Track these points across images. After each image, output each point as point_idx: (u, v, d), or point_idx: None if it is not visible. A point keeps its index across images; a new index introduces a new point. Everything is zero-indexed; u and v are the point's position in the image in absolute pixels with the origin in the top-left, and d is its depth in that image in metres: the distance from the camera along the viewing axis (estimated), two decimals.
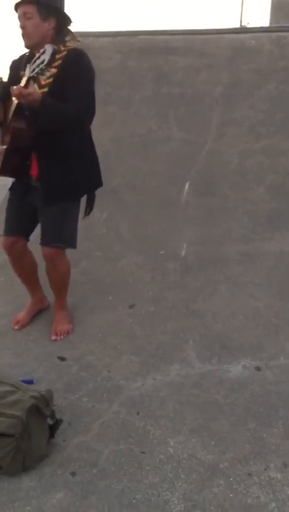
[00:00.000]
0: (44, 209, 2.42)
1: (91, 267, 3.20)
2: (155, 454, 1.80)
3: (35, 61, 2.01)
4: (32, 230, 2.59)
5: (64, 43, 2.28)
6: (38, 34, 2.22)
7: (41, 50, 2.00)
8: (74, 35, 2.32)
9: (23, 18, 2.21)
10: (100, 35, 4.07)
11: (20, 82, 2.12)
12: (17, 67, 2.37)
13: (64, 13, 2.30)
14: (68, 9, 2.43)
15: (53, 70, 2.19)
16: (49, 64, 2.01)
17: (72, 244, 2.52)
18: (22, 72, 2.11)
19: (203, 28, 4.06)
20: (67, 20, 2.30)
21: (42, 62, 1.99)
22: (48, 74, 2.03)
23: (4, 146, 2.32)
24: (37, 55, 2.01)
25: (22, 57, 2.40)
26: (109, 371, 2.33)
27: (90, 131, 2.44)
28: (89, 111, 2.28)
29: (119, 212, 3.50)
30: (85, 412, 2.03)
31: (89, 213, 2.60)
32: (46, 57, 1.98)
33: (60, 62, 2.22)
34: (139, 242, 3.34)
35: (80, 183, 2.45)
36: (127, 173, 3.60)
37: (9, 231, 2.56)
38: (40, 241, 2.48)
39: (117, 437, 1.88)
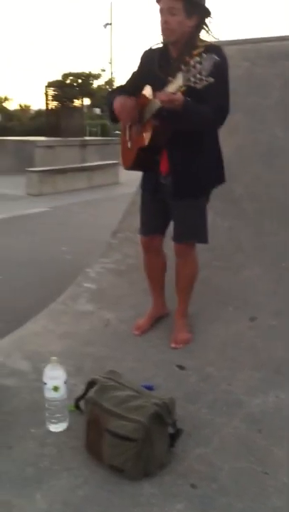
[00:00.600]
0: (175, 204, 2.48)
1: (211, 277, 3.17)
2: (279, 476, 1.71)
3: (190, 70, 1.91)
4: (166, 227, 2.66)
5: (200, 39, 2.25)
6: (180, 31, 2.21)
7: (198, 58, 1.89)
8: (210, 30, 2.27)
9: (167, 13, 2.19)
10: (229, 44, 4.02)
11: (158, 84, 2.15)
12: (150, 60, 2.37)
13: (208, 10, 2.24)
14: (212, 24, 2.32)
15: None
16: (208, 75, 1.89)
17: (205, 238, 2.56)
18: (170, 78, 2.07)
19: None
20: (208, 16, 2.26)
21: (200, 73, 1.88)
22: (206, 83, 1.89)
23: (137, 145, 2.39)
24: (192, 62, 1.90)
25: (153, 50, 2.38)
26: (229, 384, 2.28)
27: (219, 127, 2.42)
28: (225, 111, 2.26)
29: (241, 222, 3.43)
30: (205, 424, 2.00)
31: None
32: (207, 68, 1.87)
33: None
34: (261, 253, 3.24)
35: (208, 177, 2.48)
36: (251, 182, 3.52)
37: (146, 230, 2.66)
38: (172, 237, 2.53)
39: (238, 454, 1.83)
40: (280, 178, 3.45)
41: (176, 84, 2.03)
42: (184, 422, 1.95)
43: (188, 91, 2.07)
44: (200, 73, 1.89)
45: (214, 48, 2.18)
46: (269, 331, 2.69)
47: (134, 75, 2.52)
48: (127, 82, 2.57)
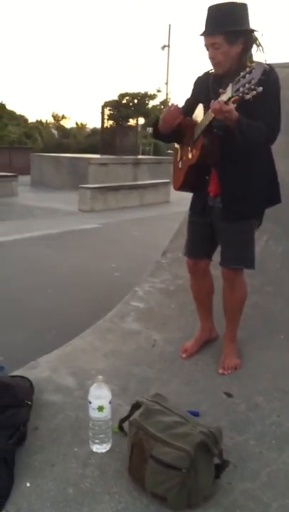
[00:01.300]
0: (222, 227, 2.42)
1: (263, 302, 3.08)
2: None
3: (239, 80, 1.93)
4: (214, 251, 2.61)
5: (251, 58, 2.22)
6: (229, 60, 2.20)
7: (247, 69, 1.90)
8: (260, 46, 2.23)
9: (212, 49, 2.20)
10: (284, 67, 3.98)
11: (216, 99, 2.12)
12: (202, 83, 2.39)
13: (251, 30, 2.21)
14: (263, 38, 2.30)
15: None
16: (258, 83, 1.89)
17: (252, 265, 2.48)
18: (222, 90, 2.07)
19: None
20: (253, 34, 2.22)
21: (249, 82, 1.88)
22: (255, 93, 1.90)
23: (187, 163, 2.36)
24: (242, 73, 1.92)
25: (207, 74, 2.39)
26: (278, 416, 2.18)
27: (270, 146, 2.37)
28: (276, 129, 2.21)
29: None
30: (252, 456, 1.91)
31: (258, 227, 2.52)
32: (256, 76, 1.87)
33: None
34: None
35: (259, 199, 2.41)
36: None
37: (191, 253, 2.63)
38: (220, 262, 2.48)
39: (287, 491, 1.73)
40: None
41: (226, 96, 2.02)
42: (231, 453, 1.88)
43: (240, 106, 2.06)
44: (249, 82, 1.89)
45: (258, 65, 2.15)
46: None
47: (188, 100, 2.52)
48: (182, 106, 2.56)
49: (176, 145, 2.61)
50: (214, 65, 2.26)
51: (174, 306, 3.26)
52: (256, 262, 2.52)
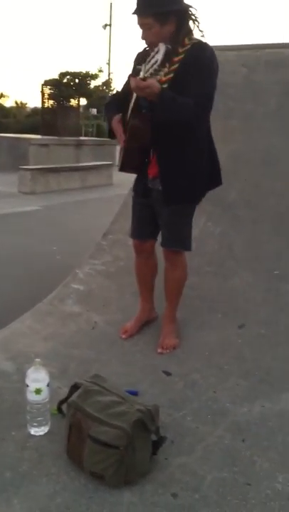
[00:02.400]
0: (162, 209, 2.44)
1: (201, 283, 3.15)
2: (261, 488, 1.68)
3: (149, 61, 1.97)
4: (158, 231, 2.61)
5: (190, 35, 2.21)
6: (160, 40, 2.13)
7: (155, 49, 1.95)
8: (196, 21, 2.23)
9: (143, 29, 2.18)
10: (225, 49, 4.02)
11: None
12: (141, 60, 2.31)
13: (183, 9, 2.20)
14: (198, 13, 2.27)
15: (175, 66, 2.16)
16: (162, 64, 1.95)
17: (188, 246, 2.52)
18: (139, 67, 2.07)
19: None
20: (188, 14, 2.21)
21: (155, 63, 1.94)
22: (162, 73, 1.96)
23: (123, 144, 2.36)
24: (151, 54, 1.96)
25: (146, 51, 2.34)
26: (214, 392, 2.25)
27: (209, 128, 2.38)
28: (206, 106, 2.20)
29: (233, 229, 3.42)
30: (189, 432, 1.97)
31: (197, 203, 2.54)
32: (159, 57, 1.93)
33: (182, 56, 2.17)
34: (253, 261, 3.22)
35: (199, 183, 2.41)
36: (245, 189, 3.51)
37: (137, 234, 2.64)
38: (161, 243, 2.52)
39: (221, 464, 1.80)
40: (275, 185, 3.44)
41: (142, 73, 2.02)
42: (168, 430, 1.92)
43: (171, 86, 2.07)
44: (155, 63, 1.93)
45: (199, 44, 2.19)
46: (257, 339, 2.67)
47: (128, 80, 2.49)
48: (122, 87, 2.55)
49: None
50: (147, 45, 2.25)
51: (114, 288, 3.27)
52: (195, 243, 2.57)
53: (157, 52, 1.95)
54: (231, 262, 3.27)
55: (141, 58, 2.38)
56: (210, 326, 2.82)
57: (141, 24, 2.18)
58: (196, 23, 2.23)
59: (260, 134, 3.59)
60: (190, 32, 2.23)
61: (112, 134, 2.43)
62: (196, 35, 2.24)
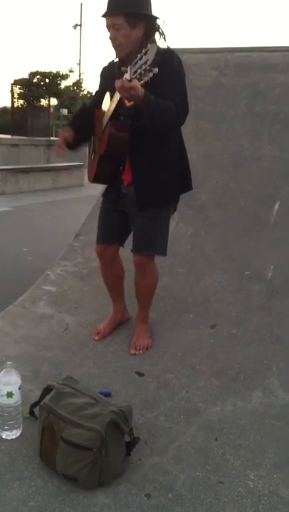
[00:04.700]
0: (136, 215, 2.43)
1: (173, 283, 3.17)
2: (234, 486, 1.71)
3: (136, 62, 1.91)
4: (126, 237, 2.60)
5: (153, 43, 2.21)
6: (130, 43, 2.18)
7: (143, 50, 1.88)
8: (163, 34, 2.25)
9: (113, 30, 2.17)
10: (196, 52, 4.06)
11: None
12: (108, 73, 2.36)
13: (152, 16, 2.22)
14: (164, 26, 2.31)
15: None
16: (153, 64, 1.86)
17: (164, 251, 2.51)
18: (124, 68, 2.02)
19: None
20: (155, 22, 2.23)
21: (145, 63, 1.86)
22: (151, 74, 1.88)
23: (97, 154, 2.35)
24: (138, 55, 1.90)
25: (112, 64, 2.37)
26: (187, 392, 2.27)
27: (180, 133, 2.40)
28: (185, 110, 2.23)
29: (204, 229, 3.45)
30: (162, 432, 1.98)
31: (172, 213, 2.57)
32: (150, 57, 1.85)
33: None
34: (224, 261, 3.26)
35: (172, 187, 2.42)
36: (216, 190, 3.54)
37: (101, 239, 2.60)
38: (131, 248, 2.49)
39: (194, 463, 1.81)
40: (245, 187, 3.49)
41: (127, 75, 1.96)
42: (141, 430, 1.93)
43: (149, 91, 2.04)
44: (145, 63, 1.86)
45: (166, 52, 2.20)
46: (229, 339, 2.70)
47: (97, 93, 2.50)
48: (92, 100, 2.57)
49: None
50: (115, 47, 2.22)
51: (86, 289, 3.26)
52: (168, 244, 2.57)
53: (146, 53, 1.86)
54: (203, 262, 3.29)
55: (108, 73, 2.39)
56: (182, 326, 2.83)
57: (111, 24, 2.16)
58: (162, 35, 2.25)
59: (230, 136, 3.64)
60: (155, 41, 2.23)
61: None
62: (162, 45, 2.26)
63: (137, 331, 2.67)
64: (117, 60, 2.34)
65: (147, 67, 1.87)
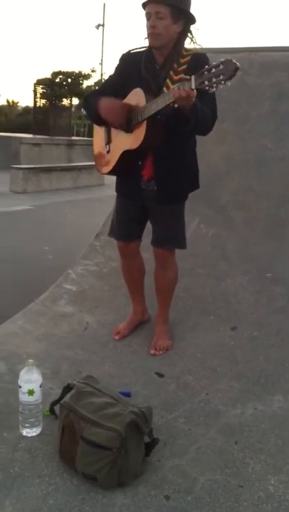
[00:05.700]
0: (157, 209, 2.45)
1: (194, 284, 3.15)
2: (254, 491, 1.69)
3: (204, 73, 1.83)
4: (142, 231, 2.63)
5: (183, 45, 2.23)
6: (167, 36, 2.17)
7: (214, 63, 1.80)
8: (194, 37, 2.25)
9: (155, 17, 2.14)
10: (220, 51, 4.02)
11: (144, 88, 2.17)
12: (132, 65, 2.30)
13: (193, 17, 2.22)
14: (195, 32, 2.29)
15: (180, 75, 2.15)
16: (228, 78, 1.78)
17: (184, 244, 2.54)
18: (184, 76, 2.01)
19: None
20: (193, 23, 2.24)
21: (218, 76, 1.78)
22: (220, 87, 1.82)
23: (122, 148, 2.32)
24: (207, 67, 1.83)
25: (134, 54, 2.32)
26: (207, 394, 2.25)
27: None
28: (216, 116, 2.25)
29: (226, 230, 3.42)
30: (181, 433, 1.96)
31: None
32: (226, 72, 1.77)
33: (185, 67, 2.18)
34: (245, 263, 3.23)
35: (188, 184, 2.48)
36: (238, 190, 3.51)
37: (122, 235, 2.63)
38: (151, 242, 2.51)
39: (214, 466, 1.80)
40: (268, 188, 3.45)
41: (191, 84, 1.91)
42: (161, 432, 1.92)
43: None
44: (217, 76, 1.80)
45: (200, 56, 2.19)
46: (250, 341, 2.68)
47: (113, 80, 2.43)
48: (105, 87, 2.51)
49: (97, 127, 2.54)
50: (153, 35, 2.17)
51: (107, 288, 3.26)
52: (189, 244, 2.58)
53: (219, 66, 1.77)
54: (224, 263, 3.27)
55: (132, 64, 2.30)
56: (203, 327, 2.82)
57: (154, 12, 2.13)
58: (193, 39, 2.25)
59: (253, 137, 3.60)
60: (183, 44, 2.24)
61: (98, 116, 2.31)
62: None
63: (158, 332, 2.66)
64: (137, 50, 2.31)
65: (222, 82, 1.80)
